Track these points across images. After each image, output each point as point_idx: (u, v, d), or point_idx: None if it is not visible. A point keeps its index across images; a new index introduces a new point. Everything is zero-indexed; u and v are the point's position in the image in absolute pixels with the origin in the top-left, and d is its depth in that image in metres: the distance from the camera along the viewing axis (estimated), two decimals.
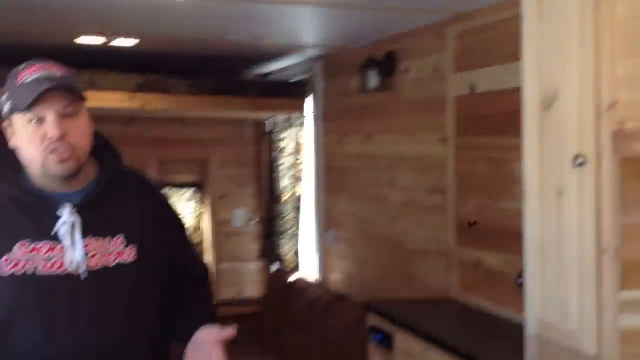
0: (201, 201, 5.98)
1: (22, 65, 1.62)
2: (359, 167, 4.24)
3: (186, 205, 5.97)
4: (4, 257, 1.55)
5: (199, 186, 5.96)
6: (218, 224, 5.89)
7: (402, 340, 2.78)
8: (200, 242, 5.94)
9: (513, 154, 2.60)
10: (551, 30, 2.12)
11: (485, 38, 3.07)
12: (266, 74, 5.62)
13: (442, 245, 3.35)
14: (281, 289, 4.72)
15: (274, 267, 5.48)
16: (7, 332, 1.56)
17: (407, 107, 3.71)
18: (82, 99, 1.61)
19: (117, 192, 1.68)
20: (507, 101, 2.81)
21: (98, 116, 5.26)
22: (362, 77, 3.93)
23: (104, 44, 4.21)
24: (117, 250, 1.62)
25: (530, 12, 2.21)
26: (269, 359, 4.33)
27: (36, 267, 1.55)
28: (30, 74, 1.58)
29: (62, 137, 1.55)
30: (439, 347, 2.55)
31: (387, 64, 3.82)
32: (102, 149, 1.71)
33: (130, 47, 4.28)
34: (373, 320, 3.02)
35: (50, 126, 1.55)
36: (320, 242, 4.73)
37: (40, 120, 1.56)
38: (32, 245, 1.56)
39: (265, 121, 5.71)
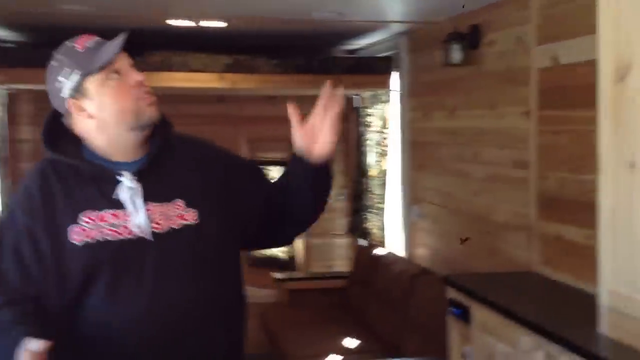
0: None
1: (72, 39, 1.66)
2: (443, 143, 4.24)
3: None
4: (73, 228, 1.58)
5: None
6: None
7: (479, 313, 2.81)
8: None
9: (595, 126, 2.56)
10: (626, 1, 2.08)
11: (568, 9, 3.01)
12: (354, 50, 5.67)
13: (524, 219, 3.33)
14: (367, 263, 4.80)
15: (362, 242, 5.56)
16: (82, 299, 1.59)
17: (490, 81, 3.68)
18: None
19: (173, 159, 1.72)
20: (589, 73, 2.74)
21: (190, 96, 5.51)
22: (446, 51, 3.91)
23: (194, 27, 4.39)
24: (179, 214, 1.65)
25: None
26: (356, 332, 4.43)
27: (106, 234, 1.58)
28: (87, 40, 1.64)
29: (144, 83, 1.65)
30: (514, 320, 2.55)
31: (471, 38, 3.80)
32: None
33: (219, 28, 4.44)
34: (452, 293, 3.05)
35: (135, 73, 1.64)
36: (405, 217, 4.77)
37: (119, 72, 1.62)
38: (98, 214, 1.60)
39: (353, 97, 5.77)
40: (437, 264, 4.30)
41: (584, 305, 2.47)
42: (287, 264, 6.03)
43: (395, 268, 4.37)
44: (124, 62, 1.64)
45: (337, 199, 6.03)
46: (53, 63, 1.65)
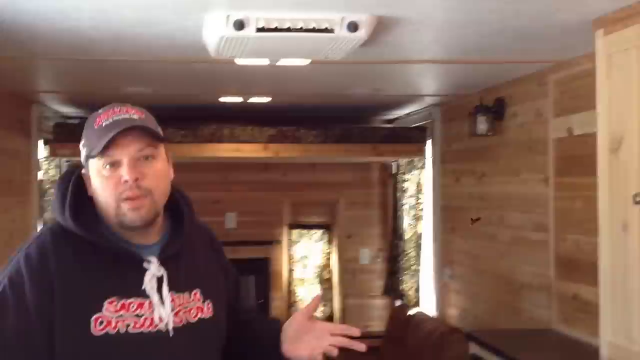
0: (329, 241, 6.41)
1: (101, 110, 1.55)
2: (472, 207, 4.50)
3: (316, 245, 6.43)
4: (95, 316, 1.45)
5: (328, 227, 6.41)
6: (345, 262, 6.29)
7: None
8: (329, 280, 6.36)
9: None
10: (617, 84, 2.37)
11: (581, 85, 3.29)
12: (391, 120, 6.02)
13: (544, 279, 3.55)
14: (401, 323, 5.02)
15: (398, 303, 5.78)
16: None
17: (513, 150, 3.96)
18: (158, 141, 1.53)
19: (189, 245, 1.62)
20: None
21: (238, 164, 5.88)
22: (473, 122, 4.22)
23: (242, 102, 4.80)
24: (197, 306, 1.58)
25: (601, 68, 2.47)
26: None
27: (128, 325, 1.47)
28: (106, 118, 1.51)
29: (136, 181, 1.47)
30: None
31: (496, 109, 4.11)
32: (176, 199, 1.63)
33: (264, 103, 4.84)
34: (474, 349, 3.27)
35: (125, 170, 1.47)
36: (437, 278, 5.01)
37: (115, 165, 1.48)
38: (121, 302, 1.47)
39: (391, 164, 6.09)
40: (466, 323, 4.51)
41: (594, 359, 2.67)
42: None
43: (426, 326, 4.58)
44: (124, 154, 1.48)
45: (374, 262, 6.29)
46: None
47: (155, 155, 1.52)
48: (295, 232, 6.41)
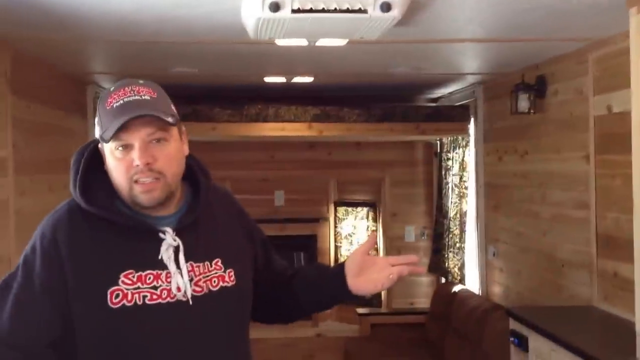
0: (375, 218, 6.47)
1: (112, 87, 1.54)
2: (515, 185, 4.50)
3: (361, 223, 6.50)
4: (111, 290, 1.47)
5: (373, 204, 6.47)
6: (390, 240, 6.35)
7: (535, 342, 3.05)
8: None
9: None
10: None
11: (620, 63, 3.26)
12: (435, 99, 6.03)
13: (585, 257, 3.55)
14: (446, 300, 5.07)
15: (442, 280, 5.83)
16: None
17: (555, 127, 3.95)
18: (171, 124, 1.51)
19: (209, 213, 1.62)
20: None
21: (284, 143, 6.01)
22: (514, 100, 4.21)
23: (286, 82, 4.88)
24: (219, 275, 1.57)
25: (634, 46, 2.46)
26: None
27: (145, 297, 1.48)
28: (117, 98, 1.50)
29: (148, 165, 1.48)
30: (566, 349, 2.79)
31: (537, 87, 4.09)
32: (193, 169, 1.63)
33: (307, 82, 4.91)
34: (513, 324, 3.30)
35: (136, 154, 1.48)
36: (481, 256, 5.03)
37: (127, 148, 1.49)
38: (138, 274, 1.49)
39: (435, 142, 6.10)
40: (509, 300, 4.53)
41: (633, 337, 2.68)
42: (371, 300, 6.35)
43: (470, 304, 4.62)
44: (136, 138, 1.48)
45: (419, 239, 6.34)
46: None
47: (167, 138, 1.51)
48: (341, 210, 6.50)
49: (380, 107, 5.25)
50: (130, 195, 1.51)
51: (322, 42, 3.20)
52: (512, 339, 3.29)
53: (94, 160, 1.56)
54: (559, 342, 2.85)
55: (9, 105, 3.37)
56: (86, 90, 4.84)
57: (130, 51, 3.77)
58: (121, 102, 1.49)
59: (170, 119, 1.51)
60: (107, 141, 1.49)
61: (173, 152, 1.53)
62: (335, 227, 6.49)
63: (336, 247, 6.50)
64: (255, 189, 6.18)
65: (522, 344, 3.18)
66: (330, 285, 1.69)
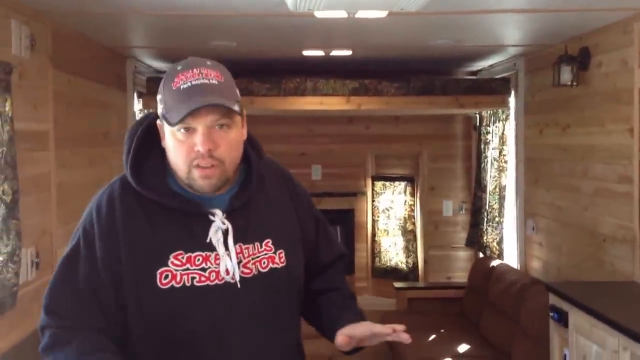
0: (413, 193, 6.45)
1: (180, 66, 1.51)
2: (556, 159, 4.44)
3: (399, 197, 6.48)
4: (161, 270, 1.48)
5: (411, 179, 6.44)
6: (429, 214, 6.33)
7: (575, 317, 3.02)
8: (412, 231, 6.42)
9: None
10: None
11: None
12: (475, 72, 5.95)
13: (628, 232, 3.49)
14: (483, 274, 5.04)
15: (480, 254, 5.79)
16: (169, 344, 1.51)
17: (598, 100, 3.87)
18: (236, 112, 1.51)
19: (261, 192, 1.61)
20: None
21: (323, 117, 6.04)
22: (557, 72, 4.13)
23: (324, 55, 4.86)
24: (269, 256, 1.56)
25: None
26: (469, 338, 4.68)
27: (193, 279, 1.49)
28: (184, 80, 1.47)
29: (209, 152, 1.48)
30: (606, 324, 2.76)
31: (581, 59, 4.01)
32: (249, 150, 1.62)
33: (345, 56, 4.88)
34: (552, 299, 3.27)
35: (199, 140, 1.47)
36: (520, 230, 4.98)
37: (190, 131, 1.48)
38: (187, 256, 1.49)
39: (474, 116, 6.03)
40: (549, 275, 4.49)
41: None
42: (408, 275, 6.35)
43: (508, 278, 4.59)
44: (201, 121, 1.47)
45: (458, 214, 6.30)
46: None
47: (230, 125, 1.51)
48: (379, 184, 6.48)
49: (419, 80, 5.20)
50: (188, 178, 1.51)
51: (362, 14, 3.17)
52: (551, 314, 3.26)
53: (149, 135, 1.56)
54: (600, 317, 2.81)
55: (50, 79, 3.42)
56: (126, 64, 4.89)
57: (169, 24, 3.79)
58: (189, 84, 1.47)
59: (236, 107, 1.50)
60: (171, 125, 1.48)
61: (234, 139, 1.53)
62: (373, 201, 6.48)
63: (373, 221, 6.50)
64: (292, 163, 6.12)
65: (562, 319, 3.15)
66: (333, 326, 1.63)
